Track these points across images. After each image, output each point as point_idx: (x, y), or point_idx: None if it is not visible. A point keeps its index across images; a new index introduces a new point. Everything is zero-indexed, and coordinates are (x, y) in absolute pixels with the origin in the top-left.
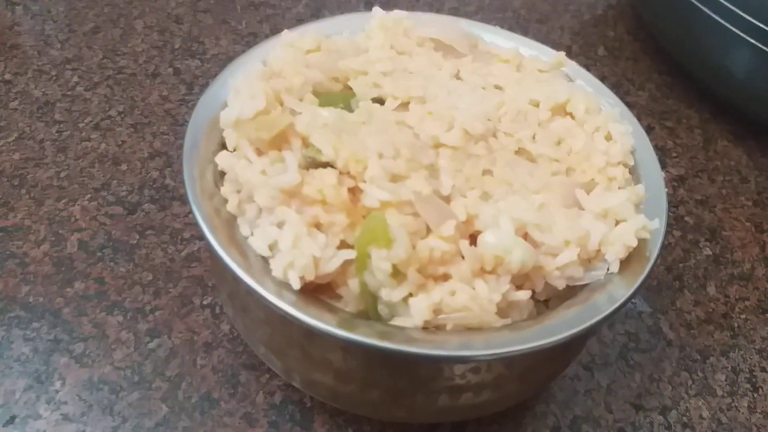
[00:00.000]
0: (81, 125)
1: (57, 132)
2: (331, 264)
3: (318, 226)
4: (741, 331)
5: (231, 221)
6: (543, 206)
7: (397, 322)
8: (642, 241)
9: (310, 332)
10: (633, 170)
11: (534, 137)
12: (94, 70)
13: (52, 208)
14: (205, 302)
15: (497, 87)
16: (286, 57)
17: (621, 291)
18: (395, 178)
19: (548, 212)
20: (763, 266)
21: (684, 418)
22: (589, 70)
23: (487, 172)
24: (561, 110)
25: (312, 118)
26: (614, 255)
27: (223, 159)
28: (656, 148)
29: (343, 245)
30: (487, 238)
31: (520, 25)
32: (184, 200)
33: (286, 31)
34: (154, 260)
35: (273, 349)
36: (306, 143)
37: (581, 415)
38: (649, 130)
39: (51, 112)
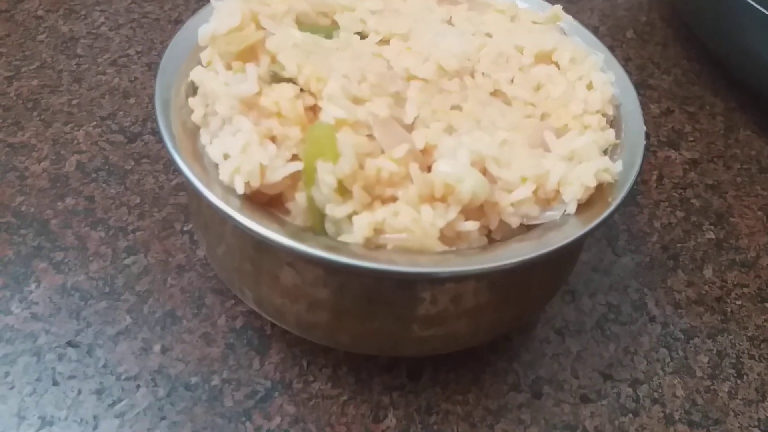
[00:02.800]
0: (99, 60)
1: (76, 65)
2: (278, 173)
3: (272, 138)
4: (734, 316)
5: (196, 132)
6: (506, 142)
7: (341, 239)
8: (606, 187)
9: (258, 243)
10: (614, 122)
11: (512, 80)
12: (120, 13)
13: (59, 130)
14: (185, 228)
15: (487, 35)
16: None
17: (576, 231)
18: (356, 101)
19: (510, 149)
20: None
21: (655, 394)
22: (613, 51)
23: (456, 107)
24: (546, 58)
25: (284, 37)
26: (572, 195)
27: (195, 73)
28: (672, 131)
29: (296, 159)
30: (440, 166)
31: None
32: None
33: None
34: (144, 186)
35: (227, 265)
36: (274, 61)
37: (544, 377)
38: (668, 113)
39: (74, 47)
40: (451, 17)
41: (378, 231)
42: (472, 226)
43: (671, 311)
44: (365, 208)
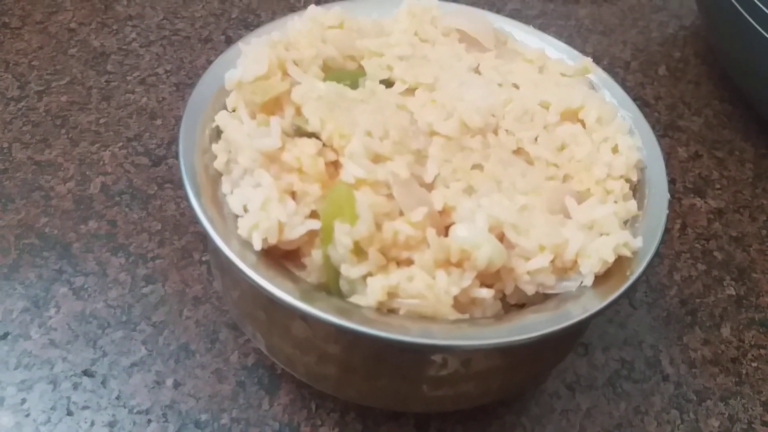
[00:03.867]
0: (129, 78)
1: (105, 81)
2: (296, 231)
3: (292, 193)
4: (748, 379)
5: (217, 178)
6: (525, 208)
7: (354, 299)
8: (625, 260)
9: (271, 298)
10: (638, 188)
11: (536, 139)
12: (152, 29)
13: (85, 150)
14: (204, 258)
15: (514, 85)
16: (303, 29)
17: (592, 305)
18: (378, 158)
19: (529, 215)
20: None
21: None
22: (644, 88)
23: (477, 166)
24: (573, 116)
25: (309, 89)
26: (589, 268)
27: (221, 118)
28: (699, 177)
29: (314, 215)
30: (458, 231)
31: (581, 34)
32: None
33: (312, 6)
34: (166, 212)
35: (241, 310)
36: (299, 112)
37: None
38: (696, 157)
39: (104, 63)
40: (478, 65)
41: (392, 295)
42: (487, 293)
43: (685, 370)
44: (380, 270)
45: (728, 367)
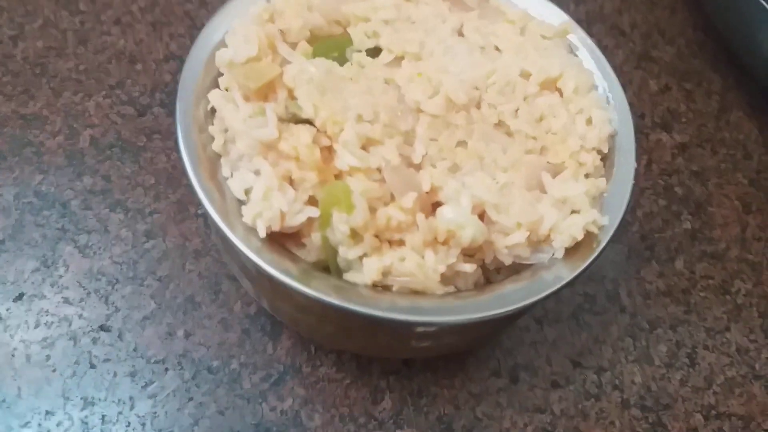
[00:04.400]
0: (103, 18)
1: (80, 23)
2: (297, 218)
3: (290, 180)
4: (696, 308)
5: (215, 159)
6: (505, 186)
7: (350, 276)
8: (591, 233)
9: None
10: (608, 156)
11: (517, 111)
12: None
13: (69, 101)
14: (199, 212)
15: (496, 48)
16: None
17: (563, 274)
18: (370, 142)
19: (509, 193)
20: (738, 247)
21: (616, 381)
22: (621, 14)
23: (461, 143)
24: (551, 84)
25: (299, 71)
26: (561, 243)
27: (214, 97)
28: (667, 111)
29: (312, 200)
30: (445, 213)
31: None
32: None
33: None
34: (158, 165)
35: (245, 276)
36: (291, 95)
37: (522, 364)
38: (665, 89)
39: (75, 1)
40: (462, 25)
41: (385, 273)
42: (470, 268)
43: (640, 302)
44: (374, 252)
45: (678, 298)
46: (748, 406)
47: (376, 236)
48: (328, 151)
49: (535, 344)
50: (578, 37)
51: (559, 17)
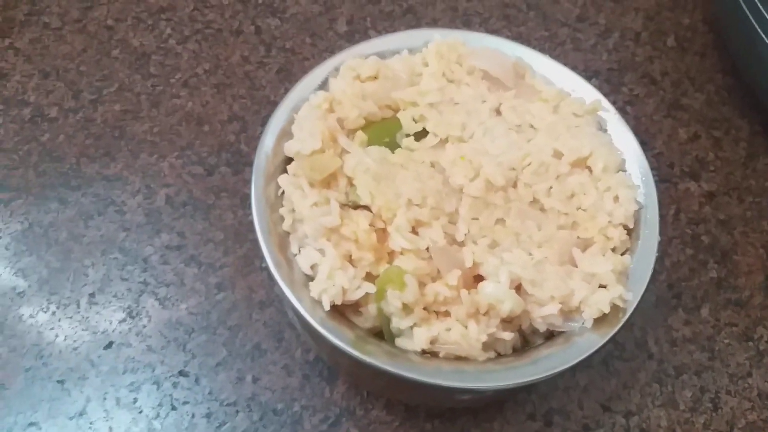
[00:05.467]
0: (172, 81)
1: (152, 86)
2: (356, 293)
3: (350, 258)
4: (719, 354)
5: (285, 235)
6: (540, 263)
7: (401, 342)
8: (617, 306)
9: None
10: (633, 230)
11: (550, 190)
12: (185, 22)
13: (146, 161)
14: (263, 265)
15: (531, 126)
16: (346, 89)
17: (593, 339)
18: (419, 224)
19: (543, 269)
20: (761, 295)
21: (643, 424)
22: (652, 62)
23: (500, 221)
24: (582, 162)
25: (357, 162)
26: (590, 314)
27: (284, 182)
28: (696, 159)
29: (369, 276)
30: (486, 288)
31: (594, 3)
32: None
33: (349, 57)
34: (226, 221)
35: (309, 334)
36: (351, 182)
37: (555, 408)
38: (695, 138)
39: (147, 65)
40: (500, 104)
41: (433, 342)
42: (508, 336)
43: (667, 348)
44: (423, 322)
45: (704, 344)
46: None
47: (425, 309)
48: (383, 233)
49: (568, 390)
50: (608, 113)
51: (590, 93)
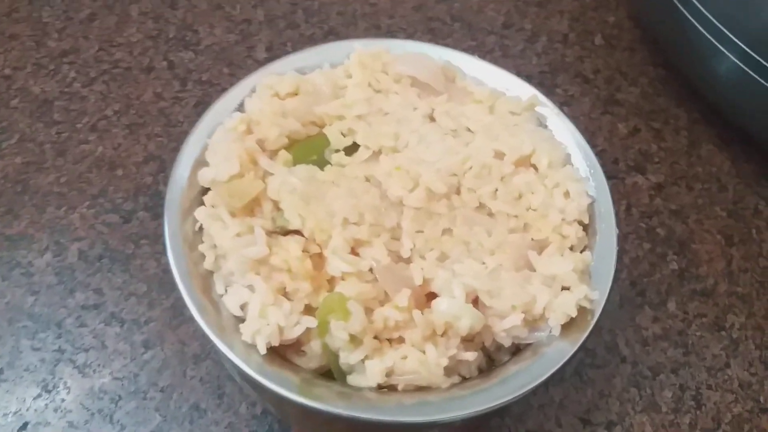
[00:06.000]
0: (79, 126)
1: (56, 133)
2: (295, 330)
3: (284, 291)
4: (694, 348)
5: (208, 275)
6: (494, 270)
7: (354, 380)
8: (584, 307)
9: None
10: (589, 225)
11: (495, 192)
12: (90, 64)
13: (53, 215)
14: None
15: (468, 130)
16: (264, 107)
17: (563, 350)
18: (358, 243)
19: (498, 276)
20: (726, 282)
21: None
22: (583, 62)
23: (446, 231)
24: (525, 161)
25: (282, 183)
26: (556, 321)
27: (201, 215)
28: (639, 152)
29: (308, 309)
30: (440, 306)
31: (518, 9)
32: None
33: (266, 74)
34: (148, 271)
35: (249, 384)
36: (277, 206)
37: (533, 429)
38: (635, 131)
39: (50, 112)
40: (433, 110)
41: (389, 374)
42: (471, 356)
43: (639, 349)
44: (376, 353)
45: (676, 340)
46: None
47: (375, 337)
48: (319, 257)
49: (543, 407)
50: (545, 107)
51: (525, 90)
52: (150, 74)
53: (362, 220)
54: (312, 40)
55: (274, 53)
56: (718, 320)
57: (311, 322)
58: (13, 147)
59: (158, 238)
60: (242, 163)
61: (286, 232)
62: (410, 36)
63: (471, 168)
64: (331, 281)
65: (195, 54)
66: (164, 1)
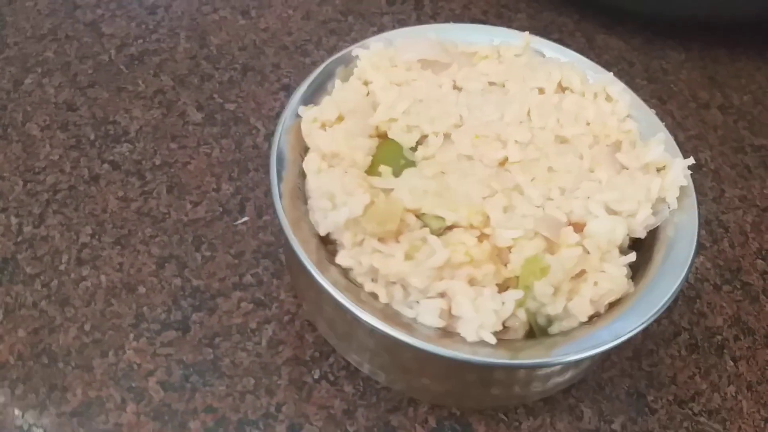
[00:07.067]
0: (62, 267)
1: (42, 286)
2: (507, 309)
3: (473, 281)
4: None
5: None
6: (609, 182)
7: (557, 327)
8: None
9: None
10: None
11: (558, 122)
12: (27, 202)
13: (105, 367)
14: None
15: (492, 84)
16: (331, 138)
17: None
18: (507, 210)
19: (614, 184)
20: None
21: None
22: (470, 9)
23: (549, 169)
24: (560, 88)
25: (410, 191)
26: (672, 197)
27: (346, 260)
28: None
29: (499, 288)
30: (593, 229)
31: None
32: None
33: (302, 108)
34: (261, 356)
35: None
36: (417, 215)
37: None
38: None
39: (19, 269)
40: (454, 81)
41: (593, 300)
42: (633, 256)
43: None
44: (573, 294)
45: None
46: None
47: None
48: (485, 237)
49: None
50: (537, 42)
51: (510, 34)
52: (99, 183)
53: (492, 191)
54: (231, 83)
55: (208, 110)
56: None
57: (516, 294)
58: (6, 323)
59: (222, 326)
60: (367, 191)
61: (440, 234)
62: (318, 43)
63: (532, 110)
64: (501, 255)
65: (130, 143)
66: (60, 106)
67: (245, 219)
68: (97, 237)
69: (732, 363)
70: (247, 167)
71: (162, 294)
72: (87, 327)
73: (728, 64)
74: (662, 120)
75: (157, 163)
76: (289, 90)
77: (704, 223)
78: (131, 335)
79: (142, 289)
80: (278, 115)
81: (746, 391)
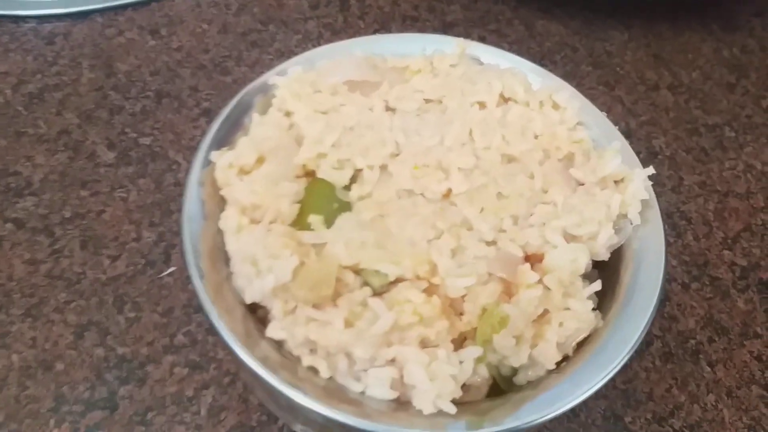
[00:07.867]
0: None
1: None
2: (466, 370)
3: (425, 342)
4: None
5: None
6: (564, 203)
7: (522, 377)
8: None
9: None
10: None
11: (504, 138)
12: None
13: None
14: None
15: (429, 101)
16: (251, 188)
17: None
18: (456, 252)
19: (571, 205)
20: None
21: None
22: (399, 5)
23: (499, 195)
24: (502, 99)
25: (346, 245)
26: (634, 212)
27: (277, 333)
28: None
29: (455, 344)
30: (553, 261)
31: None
32: None
33: (215, 154)
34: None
35: None
36: (356, 271)
37: None
38: (480, 41)
39: None
40: (386, 102)
41: (560, 347)
42: (597, 285)
43: None
44: (537, 339)
45: None
46: None
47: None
48: (435, 288)
49: None
50: (473, 48)
51: (442, 41)
52: (2, 246)
53: (438, 231)
54: (145, 114)
55: (121, 147)
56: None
57: (475, 352)
58: None
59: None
60: (295, 252)
61: (379, 293)
62: (239, 59)
63: (474, 130)
64: (454, 305)
65: (35, 195)
66: None
67: (172, 269)
68: (3, 310)
69: (709, 369)
70: (169, 209)
71: (83, 368)
72: (0, 417)
73: (672, 39)
74: (613, 108)
75: (67, 215)
76: (210, 115)
77: (666, 216)
78: (51, 421)
79: (60, 366)
80: (200, 146)
81: (726, 398)
